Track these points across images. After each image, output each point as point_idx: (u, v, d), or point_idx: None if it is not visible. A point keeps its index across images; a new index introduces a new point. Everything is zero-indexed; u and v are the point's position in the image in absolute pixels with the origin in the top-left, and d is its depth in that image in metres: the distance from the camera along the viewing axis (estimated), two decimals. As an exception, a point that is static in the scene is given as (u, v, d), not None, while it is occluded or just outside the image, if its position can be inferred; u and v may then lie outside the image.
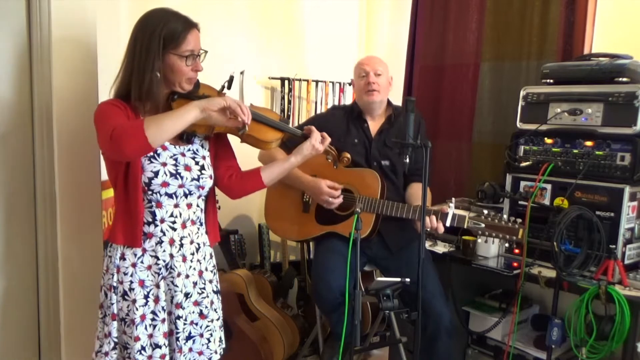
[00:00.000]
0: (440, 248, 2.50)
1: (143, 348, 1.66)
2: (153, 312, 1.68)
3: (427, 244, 2.52)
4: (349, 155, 2.04)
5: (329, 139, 1.90)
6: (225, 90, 1.81)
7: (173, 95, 1.70)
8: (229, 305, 2.68)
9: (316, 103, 3.36)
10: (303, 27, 3.36)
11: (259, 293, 2.85)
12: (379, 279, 1.96)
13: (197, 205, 1.75)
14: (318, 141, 1.86)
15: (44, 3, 1.97)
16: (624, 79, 2.09)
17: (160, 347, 1.68)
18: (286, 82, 3.21)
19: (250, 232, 3.24)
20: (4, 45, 1.98)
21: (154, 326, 1.68)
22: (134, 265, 1.66)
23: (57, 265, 2.10)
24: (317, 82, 3.33)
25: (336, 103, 3.39)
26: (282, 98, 3.22)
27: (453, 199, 2.17)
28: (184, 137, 1.72)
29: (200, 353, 1.78)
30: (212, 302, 1.81)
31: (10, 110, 2.03)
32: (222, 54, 2.97)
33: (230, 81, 1.81)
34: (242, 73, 1.76)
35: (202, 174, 1.72)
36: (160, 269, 1.68)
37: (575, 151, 2.19)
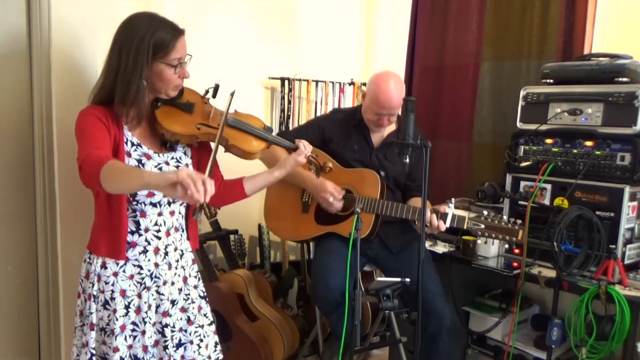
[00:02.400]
0: (440, 248, 2.50)
1: (122, 359, 1.63)
2: (133, 323, 1.65)
3: (427, 244, 2.52)
4: (331, 165, 2.02)
5: (310, 148, 1.87)
6: (209, 97, 1.78)
7: (157, 102, 1.67)
8: (229, 305, 2.68)
9: (316, 103, 3.35)
10: (303, 27, 3.36)
11: (259, 293, 2.85)
12: (379, 279, 1.96)
13: (179, 212, 1.74)
14: (303, 157, 1.84)
15: (44, 3, 1.97)
16: (624, 79, 2.09)
17: (139, 359, 1.65)
18: (286, 82, 3.21)
19: (250, 232, 3.24)
20: (4, 46, 1.98)
21: (134, 337, 1.65)
22: (115, 274, 1.63)
23: (57, 265, 2.10)
24: (317, 82, 3.33)
25: (336, 103, 3.39)
26: (282, 98, 3.22)
27: (453, 199, 2.16)
28: (167, 145, 1.70)
29: None
30: (199, 308, 1.79)
31: (10, 110, 2.03)
32: (222, 54, 2.97)
33: (216, 89, 1.77)
34: (232, 94, 1.72)
35: None
36: (143, 278, 1.66)
37: (575, 151, 2.19)
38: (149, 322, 1.67)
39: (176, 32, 1.61)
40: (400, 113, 2.43)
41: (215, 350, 1.83)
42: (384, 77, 2.30)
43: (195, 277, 1.81)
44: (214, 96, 1.78)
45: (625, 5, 2.44)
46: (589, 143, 2.15)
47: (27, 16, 2.01)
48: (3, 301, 2.07)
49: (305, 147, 1.85)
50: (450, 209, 2.12)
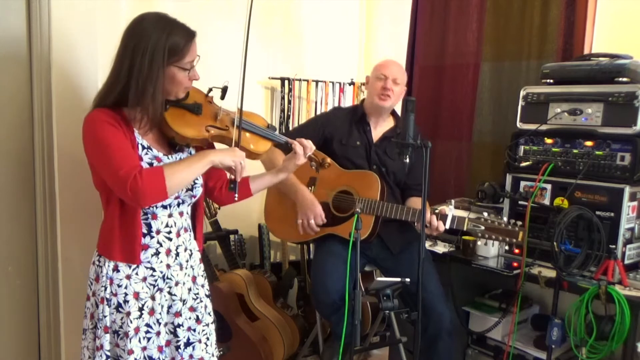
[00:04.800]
0: (440, 248, 2.49)
1: None
2: (147, 325, 1.65)
3: (427, 244, 2.52)
4: (329, 160, 2.01)
5: (312, 148, 1.85)
6: (212, 95, 1.77)
7: (165, 104, 1.63)
8: (229, 305, 2.68)
9: (316, 103, 3.36)
10: (303, 27, 3.36)
11: (259, 293, 2.85)
12: (379, 279, 1.96)
13: (187, 213, 1.74)
14: (301, 157, 1.83)
15: (44, 3, 1.98)
16: (624, 79, 2.08)
17: None
18: (286, 82, 3.21)
19: (250, 232, 3.24)
20: (4, 46, 1.98)
21: (148, 339, 1.65)
22: (128, 277, 1.61)
23: (57, 265, 2.10)
24: (317, 82, 3.33)
25: (336, 103, 3.39)
26: (282, 98, 3.22)
27: (453, 201, 2.16)
28: (177, 147, 1.70)
29: (201, 359, 1.75)
30: (205, 307, 1.80)
31: (10, 112, 2.03)
32: (222, 54, 2.97)
33: (224, 91, 1.77)
34: (225, 89, 1.75)
35: (195, 183, 1.70)
36: (156, 280, 1.65)
37: (575, 151, 2.19)
38: (162, 323, 1.68)
39: (190, 36, 1.59)
40: (400, 112, 2.44)
41: (216, 348, 1.85)
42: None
43: (202, 276, 1.83)
44: (222, 98, 1.77)
45: (625, 5, 2.44)
46: (589, 143, 2.15)
47: (27, 19, 2.01)
48: (3, 301, 2.08)
49: (305, 147, 1.83)
50: (450, 211, 2.12)
